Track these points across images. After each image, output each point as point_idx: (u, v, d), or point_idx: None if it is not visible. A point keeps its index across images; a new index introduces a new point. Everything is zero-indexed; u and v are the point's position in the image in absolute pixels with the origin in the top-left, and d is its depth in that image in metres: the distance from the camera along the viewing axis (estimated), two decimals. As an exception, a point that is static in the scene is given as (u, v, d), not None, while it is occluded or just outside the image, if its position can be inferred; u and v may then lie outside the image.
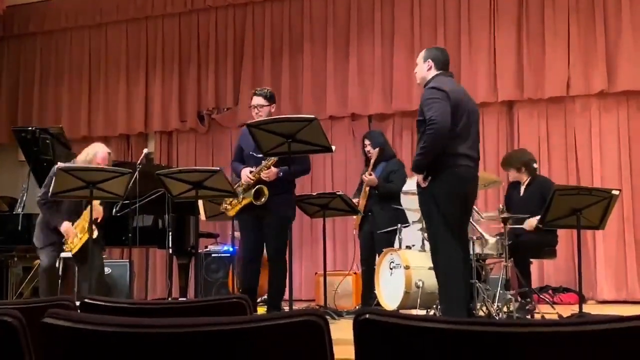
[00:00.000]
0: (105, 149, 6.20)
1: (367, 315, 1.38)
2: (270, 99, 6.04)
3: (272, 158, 5.71)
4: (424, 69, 5.17)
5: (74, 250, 5.98)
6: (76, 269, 6.59)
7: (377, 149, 7.03)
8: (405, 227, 6.96)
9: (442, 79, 5.06)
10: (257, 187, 5.81)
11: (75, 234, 5.98)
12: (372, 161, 6.99)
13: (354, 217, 7.23)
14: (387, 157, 7.15)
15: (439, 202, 4.92)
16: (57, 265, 6.24)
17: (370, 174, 6.94)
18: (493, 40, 9.11)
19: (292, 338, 1.44)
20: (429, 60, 5.14)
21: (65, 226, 5.98)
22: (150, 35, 10.98)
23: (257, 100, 6.00)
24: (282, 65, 10.12)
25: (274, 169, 5.80)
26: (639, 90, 8.49)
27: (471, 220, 5.70)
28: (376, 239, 7.03)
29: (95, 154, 6.09)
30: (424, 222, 6.64)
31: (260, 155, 5.80)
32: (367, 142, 7.22)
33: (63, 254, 6.23)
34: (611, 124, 8.64)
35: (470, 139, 5.03)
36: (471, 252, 6.18)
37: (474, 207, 5.77)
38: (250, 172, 5.85)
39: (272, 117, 5.67)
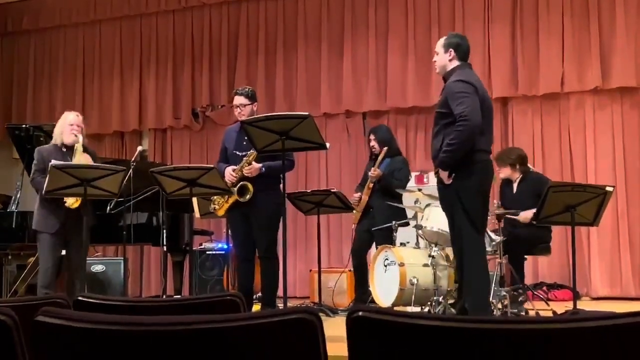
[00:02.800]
0: (73, 113, 6.15)
1: (360, 313, 1.38)
2: (252, 97, 6.05)
3: (252, 153, 5.70)
4: (446, 58, 5.03)
5: (75, 204, 5.86)
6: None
7: (385, 148, 7.00)
8: (401, 224, 6.96)
9: (468, 72, 4.95)
10: (240, 183, 5.80)
11: None
12: (379, 158, 6.96)
13: (354, 212, 7.21)
14: (392, 154, 7.12)
15: (463, 198, 4.87)
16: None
17: (376, 170, 6.93)
18: (487, 37, 9.11)
19: (285, 335, 1.44)
20: (451, 49, 5.01)
21: None
22: (145, 33, 10.95)
23: (239, 99, 6.00)
24: (277, 62, 10.11)
25: (255, 165, 5.79)
26: (633, 86, 8.51)
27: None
28: (375, 235, 7.02)
29: (63, 120, 6.06)
30: (418, 220, 6.68)
31: (243, 154, 5.82)
32: (372, 137, 7.18)
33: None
34: (605, 121, 8.66)
35: (488, 134, 5.00)
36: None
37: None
38: (233, 169, 5.85)
39: (264, 114, 5.66)
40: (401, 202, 7.02)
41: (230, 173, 5.85)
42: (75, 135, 5.98)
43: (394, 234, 6.92)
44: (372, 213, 7.03)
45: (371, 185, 7.00)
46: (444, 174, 4.92)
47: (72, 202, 5.87)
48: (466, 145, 4.78)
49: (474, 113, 4.74)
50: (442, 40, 5.12)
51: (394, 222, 6.87)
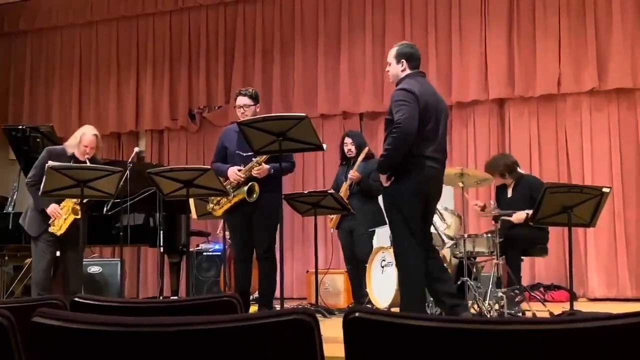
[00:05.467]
0: (92, 131, 6.08)
1: (357, 314, 1.38)
2: (255, 98, 6.06)
3: (264, 155, 5.71)
4: (398, 68, 5.18)
5: (60, 232, 5.90)
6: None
7: (366, 148, 7.06)
8: (382, 227, 7.00)
9: (412, 81, 5.06)
10: (250, 184, 5.81)
11: (61, 215, 5.92)
12: (360, 158, 7.00)
13: (331, 216, 7.24)
14: (366, 156, 7.16)
15: (400, 202, 5.00)
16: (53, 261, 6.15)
17: (355, 173, 6.96)
18: (484, 38, 9.12)
19: (282, 336, 1.44)
20: (403, 60, 5.15)
21: (52, 207, 5.90)
22: (141, 33, 10.95)
23: (243, 100, 6.01)
24: (273, 63, 10.12)
25: (265, 166, 5.81)
26: (630, 87, 8.52)
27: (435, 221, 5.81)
28: (356, 238, 7.05)
29: (81, 136, 6.02)
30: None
31: (247, 154, 5.80)
32: (348, 140, 7.27)
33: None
34: (602, 122, 8.67)
35: (437, 141, 5.07)
36: (463, 250, 6.21)
37: (437, 209, 5.86)
38: (239, 170, 5.85)
39: (261, 115, 5.67)
40: (379, 204, 7.08)
41: (236, 173, 5.84)
42: (85, 156, 5.98)
43: (390, 234, 6.94)
44: (351, 215, 7.04)
45: (347, 187, 7.03)
46: (382, 177, 5.10)
47: (57, 229, 5.89)
48: (400, 150, 4.91)
49: (409, 121, 4.86)
50: (393, 51, 5.26)
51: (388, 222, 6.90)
